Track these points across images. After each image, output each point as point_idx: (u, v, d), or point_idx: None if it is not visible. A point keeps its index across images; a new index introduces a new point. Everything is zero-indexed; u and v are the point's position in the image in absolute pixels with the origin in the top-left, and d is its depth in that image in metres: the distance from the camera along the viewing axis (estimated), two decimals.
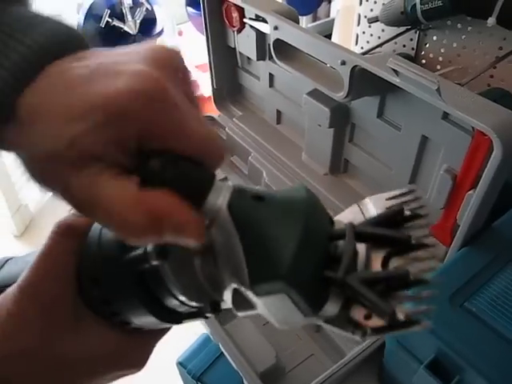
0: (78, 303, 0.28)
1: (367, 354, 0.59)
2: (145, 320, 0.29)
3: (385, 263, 0.24)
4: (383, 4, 0.88)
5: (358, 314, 0.23)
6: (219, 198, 0.24)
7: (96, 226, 0.29)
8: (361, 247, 0.25)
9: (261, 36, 0.79)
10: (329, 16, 2.28)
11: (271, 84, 0.85)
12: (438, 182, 0.61)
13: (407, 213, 0.26)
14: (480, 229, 0.59)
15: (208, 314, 0.29)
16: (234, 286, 0.24)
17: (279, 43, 0.70)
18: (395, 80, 0.54)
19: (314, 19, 2.27)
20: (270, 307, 0.24)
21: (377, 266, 0.24)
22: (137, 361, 0.30)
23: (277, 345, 0.65)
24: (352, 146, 0.75)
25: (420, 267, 0.24)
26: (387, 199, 0.27)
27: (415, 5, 0.78)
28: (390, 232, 0.25)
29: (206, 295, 0.27)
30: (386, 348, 0.57)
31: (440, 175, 0.60)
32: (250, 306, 0.25)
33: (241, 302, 0.25)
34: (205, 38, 0.88)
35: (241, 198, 0.24)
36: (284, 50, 0.71)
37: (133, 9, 1.59)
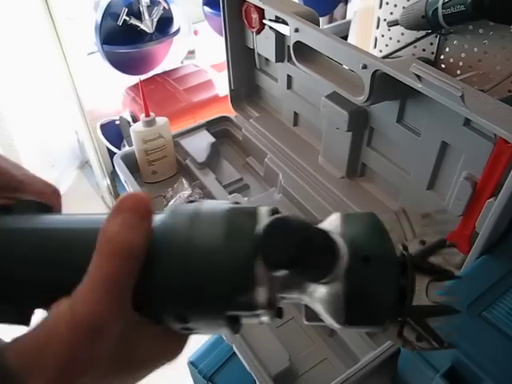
0: (135, 323, 0.26)
1: (381, 360, 0.59)
2: (216, 332, 0.30)
3: (427, 290, 0.28)
4: (403, 7, 0.87)
5: (410, 335, 0.27)
6: (341, 264, 0.26)
7: (164, 243, 0.26)
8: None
9: (280, 37, 0.79)
10: (345, 17, 2.27)
11: (289, 86, 0.85)
12: (458, 188, 0.60)
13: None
14: (499, 237, 0.58)
15: (271, 317, 0.29)
16: (314, 307, 0.27)
17: (299, 45, 0.70)
18: (417, 85, 0.53)
19: (331, 20, 2.26)
20: (349, 331, 0.28)
21: (422, 292, 0.27)
22: (175, 355, 0.29)
23: (290, 348, 0.65)
24: (370, 150, 0.74)
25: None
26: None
27: (437, 9, 0.77)
28: (440, 266, 0.28)
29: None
30: (401, 355, 0.56)
31: (460, 182, 0.60)
32: (321, 321, 0.28)
33: (312, 316, 0.28)
34: (223, 38, 0.88)
35: (355, 261, 0.26)
36: (304, 53, 0.71)
37: (150, 7, 1.59)
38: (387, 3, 0.92)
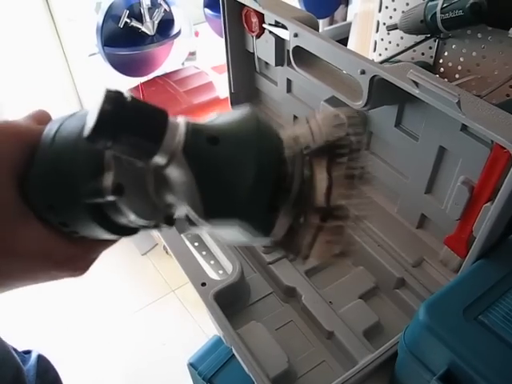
0: (17, 203, 0.28)
1: (379, 362, 0.59)
2: (94, 233, 0.30)
3: (329, 170, 0.26)
4: (403, 12, 0.88)
5: (304, 241, 0.26)
6: (174, 140, 0.25)
7: (46, 143, 0.29)
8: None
9: (280, 42, 0.80)
10: (345, 19, 2.27)
11: (289, 89, 0.86)
12: (455, 193, 0.61)
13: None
14: (496, 241, 0.59)
15: (163, 226, 0.30)
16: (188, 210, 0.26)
17: (298, 50, 0.71)
18: (415, 91, 0.54)
19: (331, 22, 2.27)
20: (222, 231, 0.27)
21: (322, 174, 0.26)
22: (78, 265, 0.31)
23: (288, 350, 0.65)
24: (368, 154, 0.75)
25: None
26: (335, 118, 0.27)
27: (435, 14, 0.78)
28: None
29: (160, 212, 0.28)
30: (398, 358, 0.57)
31: (457, 186, 0.60)
32: (200, 224, 0.27)
33: (191, 220, 0.27)
34: (224, 42, 0.88)
35: (196, 140, 0.25)
36: (303, 57, 0.71)
37: (151, 10, 1.59)
38: (386, 7, 0.92)
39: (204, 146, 0.25)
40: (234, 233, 0.26)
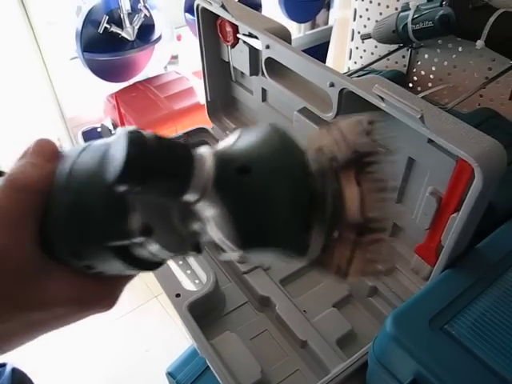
0: (38, 257, 0.27)
1: (351, 371, 0.60)
2: (120, 271, 0.29)
3: (358, 182, 0.25)
4: (376, 21, 0.89)
5: (341, 258, 0.25)
6: (204, 176, 0.24)
7: (61, 187, 0.27)
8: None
9: (254, 51, 0.80)
10: (327, 23, 2.29)
11: (264, 98, 0.86)
12: (424, 203, 0.62)
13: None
14: (464, 251, 0.60)
15: (191, 254, 0.29)
16: (214, 237, 0.26)
17: (271, 61, 0.71)
18: (381, 105, 0.55)
19: (313, 26, 2.28)
20: (258, 257, 0.26)
21: (353, 187, 0.25)
22: (105, 302, 0.31)
23: (263, 360, 0.66)
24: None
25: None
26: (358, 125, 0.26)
27: (406, 24, 0.79)
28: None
29: (186, 242, 0.27)
30: (369, 367, 0.58)
31: (426, 197, 0.61)
32: (237, 254, 0.26)
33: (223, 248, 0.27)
34: (199, 51, 0.89)
35: (226, 172, 0.24)
36: (275, 68, 0.72)
37: (131, 15, 1.59)
38: (360, 16, 0.93)
39: (235, 178, 0.24)
40: (270, 258, 0.26)
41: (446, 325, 0.52)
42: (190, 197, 0.24)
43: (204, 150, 0.25)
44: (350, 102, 0.61)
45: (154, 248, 0.26)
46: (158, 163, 0.23)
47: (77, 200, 0.26)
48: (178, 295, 0.68)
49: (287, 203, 0.24)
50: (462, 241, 0.57)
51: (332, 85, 0.60)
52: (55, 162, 0.28)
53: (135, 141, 0.22)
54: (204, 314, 0.70)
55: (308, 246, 0.25)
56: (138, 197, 0.24)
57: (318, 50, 1.77)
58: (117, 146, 0.23)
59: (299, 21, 2.10)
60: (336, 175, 0.24)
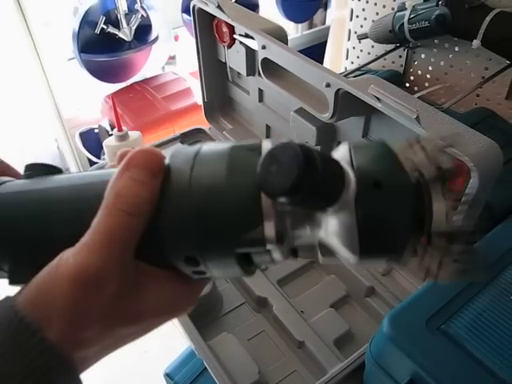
0: (137, 273, 0.26)
1: (348, 372, 0.60)
2: (230, 275, 0.29)
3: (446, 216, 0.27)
4: (373, 21, 0.89)
5: (432, 264, 0.26)
6: (349, 192, 0.25)
7: (181, 195, 0.26)
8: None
9: (250, 52, 0.80)
10: (325, 23, 2.29)
11: (261, 99, 0.86)
12: None
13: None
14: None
15: (288, 259, 0.29)
16: (327, 242, 0.27)
17: (267, 62, 0.71)
18: (378, 105, 0.54)
19: (310, 26, 2.28)
20: (365, 264, 0.27)
21: (441, 200, 0.26)
22: (188, 305, 0.30)
23: (260, 361, 0.66)
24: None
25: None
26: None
27: (403, 24, 0.79)
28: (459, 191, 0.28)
29: (290, 247, 0.28)
30: (366, 368, 0.58)
31: None
32: (336, 256, 0.27)
33: (327, 252, 0.27)
34: (196, 52, 0.89)
35: (365, 187, 0.25)
36: (272, 68, 0.72)
37: (128, 16, 1.59)
38: (357, 16, 0.93)
39: (371, 193, 0.25)
40: (375, 263, 0.28)
41: (443, 325, 0.52)
42: (331, 209, 0.25)
43: (344, 164, 0.26)
44: (346, 103, 0.61)
45: (276, 254, 0.26)
46: (323, 180, 0.23)
47: (205, 207, 0.25)
48: None
49: (405, 215, 0.26)
50: None
51: (328, 85, 0.60)
52: (161, 176, 0.26)
53: (307, 155, 0.22)
54: (201, 315, 0.70)
55: (404, 250, 0.27)
56: (272, 204, 0.25)
57: (316, 50, 1.77)
58: (283, 158, 0.23)
59: (296, 21, 2.10)
60: (426, 188, 0.26)
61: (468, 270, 0.27)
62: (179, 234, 0.26)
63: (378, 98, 0.53)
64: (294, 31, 2.19)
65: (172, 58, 2.16)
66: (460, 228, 0.27)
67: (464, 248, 0.27)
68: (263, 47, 0.69)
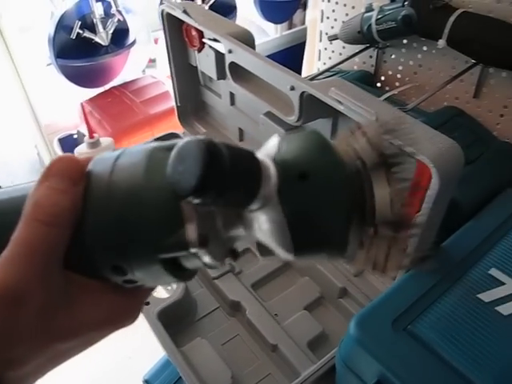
0: (66, 286, 0.25)
1: (320, 373, 0.60)
2: (162, 283, 0.28)
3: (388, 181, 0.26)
4: (343, 22, 0.89)
5: (378, 254, 0.26)
6: (270, 184, 0.24)
7: (100, 205, 0.25)
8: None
9: (220, 56, 0.80)
10: (304, 23, 2.29)
11: (232, 102, 0.86)
12: None
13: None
14: (429, 249, 0.60)
15: (228, 261, 0.28)
16: (262, 241, 0.26)
17: (234, 65, 0.71)
18: (340, 107, 0.55)
19: (290, 26, 2.28)
20: (304, 260, 0.26)
21: (384, 186, 0.25)
22: (128, 317, 0.29)
23: (234, 365, 0.66)
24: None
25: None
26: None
27: (371, 25, 0.79)
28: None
29: (227, 248, 0.27)
30: (336, 369, 0.58)
31: None
32: (273, 254, 0.26)
33: (265, 251, 0.27)
34: (167, 56, 0.88)
35: (288, 179, 0.24)
36: (240, 72, 0.72)
37: (104, 20, 1.58)
38: (328, 18, 0.93)
39: (296, 184, 0.24)
40: (315, 259, 0.27)
41: (409, 325, 0.52)
42: (252, 206, 0.24)
43: (263, 157, 0.25)
44: (311, 105, 0.61)
45: (203, 257, 0.25)
46: (233, 176, 0.22)
47: (124, 214, 0.24)
48: (147, 303, 0.68)
49: (339, 206, 0.25)
50: (425, 240, 0.57)
51: (293, 88, 0.60)
52: (83, 184, 0.25)
53: (212, 151, 0.21)
54: (175, 321, 0.70)
55: (347, 244, 0.26)
56: (193, 206, 0.24)
57: (295, 51, 1.77)
58: (188, 156, 0.22)
59: (275, 21, 2.10)
60: (368, 176, 0.25)
61: (416, 259, 0.26)
62: (101, 242, 0.25)
63: (339, 101, 0.53)
64: (274, 32, 2.19)
65: (152, 61, 2.15)
66: (406, 216, 0.26)
67: (411, 236, 0.26)
68: (229, 51, 0.69)
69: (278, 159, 0.25)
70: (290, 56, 2.08)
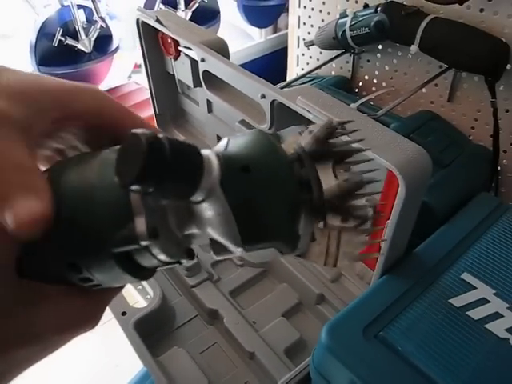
0: (20, 290, 0.25)
1: (297, 380, 0.60)
2: (119, 282, 0.28)
3: (335, 174, 0.27)
4: (319, 28, 0.90)
5: (330, 245, 0.27)
6: (212, 176, 0.24)
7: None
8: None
9: (195, 64, 0.80)
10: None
11: (210, 110, 0.86)
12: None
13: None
14: (403, 255, 0.60)
15: (184, 260, 0.29)
16: (213, 237, 0.26)
17: (208, 74, 0.71)
18: (309, 115, 0.55)
19: (275, 30, 2.29)
20: (253, 254, 0.27)
21: (330, 177, 0.26)
22: (89, 321, 0.28)
23: (212, 374, 0.66)
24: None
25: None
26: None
27: (345, 31, 0.80)
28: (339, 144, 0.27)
29: (182, 247, 0.27)
30: (311, 377, 0.58)
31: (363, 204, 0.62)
32: (228, 251, 0.27)
33: (219, 248, 0.27)
34: (143, 65, 0.88)
35: (230, 172, 0.25)
36: (213, 81, 0.72)
37: (87, 27, 1.58)
38: (304, 23, 0.94)
39: (238, 176, 0.25)
40: (264, 254, 0.27)
41: (380, 332, 0.52)
42: (196, 197, 0.25)
43: (207, 152, 0.25)
44: (282, 113, 0.61)
45: (156, 253, 0.25)
46: (174, 164, 0.22)
47: (74, 208, 0.25)
48: (124, 313, 0.68)
49: (282, 196, 0.25)
50: (397, 246, 0.58)
51: (263, 96, 0.61)
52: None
53: (152, 142, 0.22)
54: (152, 330, 0.70)
55: (297, 236, 0.26)
56: (140, 198, 0.24)
57: (280, 55, 1.77)
58: (130, 149, 0.22)
59: (259, 26, 2.10)
60: (313, 169, 0.26)
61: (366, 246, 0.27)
62: (54, 241, 0.25)
63: (307, 109, 0.54)
64: (259, 36, 2.20)
65: (139, 67, 2.15)
66: (353, 205, 0.27)
67: (360, 223, 0.27)
68: (202, 60, 0.69)
69: (223, 155, 0.26)
70: (275, 60, 2.08)
